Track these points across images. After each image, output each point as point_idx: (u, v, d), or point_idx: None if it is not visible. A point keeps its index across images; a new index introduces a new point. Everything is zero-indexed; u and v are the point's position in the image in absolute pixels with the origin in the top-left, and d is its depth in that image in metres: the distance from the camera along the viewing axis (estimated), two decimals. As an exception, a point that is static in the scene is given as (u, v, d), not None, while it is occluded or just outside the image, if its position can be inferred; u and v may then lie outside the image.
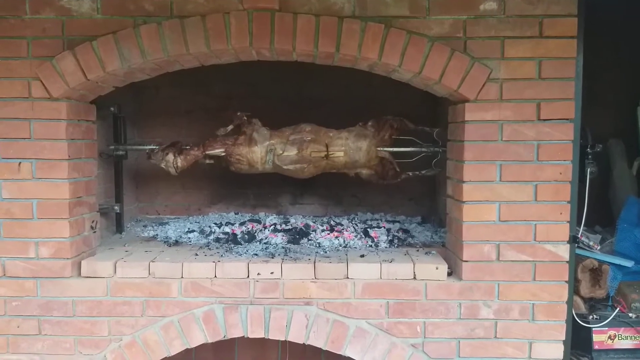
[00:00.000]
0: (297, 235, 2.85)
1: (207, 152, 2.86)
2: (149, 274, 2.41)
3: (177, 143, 2.91)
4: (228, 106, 3.53)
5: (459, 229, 2.40)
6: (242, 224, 3.10)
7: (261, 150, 2.83)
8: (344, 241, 2.80)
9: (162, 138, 3.24)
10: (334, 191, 3.59)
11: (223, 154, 2.85)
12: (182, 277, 2.40)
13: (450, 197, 2.55)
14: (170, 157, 2.83)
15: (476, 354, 2.40)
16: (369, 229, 2.98)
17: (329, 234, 2.88)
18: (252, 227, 3.02)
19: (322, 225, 3.03)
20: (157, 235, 3.02)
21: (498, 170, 2.33)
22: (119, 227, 3.09)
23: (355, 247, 2.75)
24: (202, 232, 2.98)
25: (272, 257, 2.51)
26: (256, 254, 2.57)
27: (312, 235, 2.86)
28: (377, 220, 3.34)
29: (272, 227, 2.99)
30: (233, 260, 2.46)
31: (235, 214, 3.58)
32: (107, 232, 3.06)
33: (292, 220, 3.18)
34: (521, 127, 2.31)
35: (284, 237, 2.83)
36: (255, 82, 3.54)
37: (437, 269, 2.40)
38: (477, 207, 2.34)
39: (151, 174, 3.62)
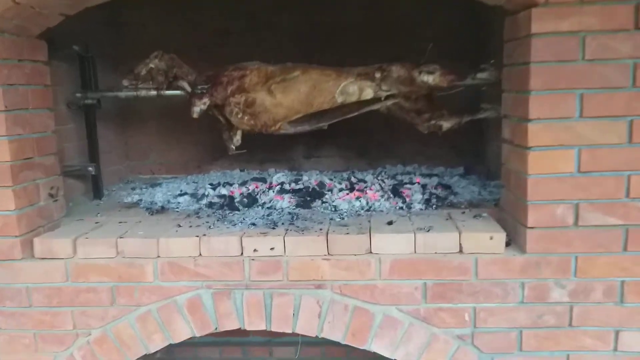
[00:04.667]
0: (309, 197, 2.29)
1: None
2: (117, 253, 1.91)
3: None
4: (225, 42, 2.98)
5: (521, 184, 1.78)
6: (242, 184, 2.55)
7: None
8: (367, 203, 2.22)
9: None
10: (358, 140, 3.00)
11: None
12: (158, 257, 1.89)
13: (507, 142, 1.93)
14: None
15: (543, 347, 1.84)
16: (399, 186, 2.39)
17: (348, 194, 2.30)
18: (256, 187, 2.47)
19: (341, 183, 2.45)
20: (141, 200, 2.51)
21: (578, 102, 1.69)
22: (97, 192, 2.59)
23: (382, 211, 2.16)
24: (193, 195, 2.45)
25: (274, 228, 1.96)
26: (253, 224, 2.02)
27: (327, 197, 2.29)
28: (410, 174, 2.72)
29: (278, 187, 2.43)
30: (222, 233, 1.92)
31: (241, 171, 3.06)
32: (85, 198, 2.58)
33: (305, 178, 2.60)
34: (611, 39, 1.65)
35: (291, 200, 2.28)
36: (256, 12, 2.96)
37: (491, 238, 1.81)
38: (547, 154, 1.72)
39: (143, 126, 3.13)
